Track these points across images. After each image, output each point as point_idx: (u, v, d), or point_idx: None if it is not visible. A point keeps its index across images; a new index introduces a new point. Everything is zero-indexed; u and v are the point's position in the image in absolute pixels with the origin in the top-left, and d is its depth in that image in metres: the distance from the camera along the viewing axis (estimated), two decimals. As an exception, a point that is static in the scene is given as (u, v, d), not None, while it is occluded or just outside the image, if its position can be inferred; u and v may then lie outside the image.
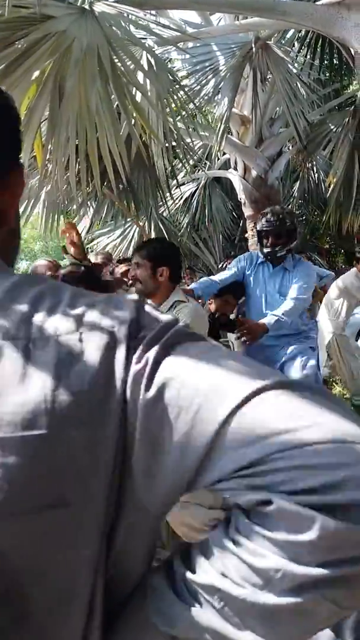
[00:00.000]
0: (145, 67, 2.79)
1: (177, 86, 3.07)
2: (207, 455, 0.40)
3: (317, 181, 7.31)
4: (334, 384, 4.73)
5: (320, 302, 4.30)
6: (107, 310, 0.45)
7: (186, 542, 0.47)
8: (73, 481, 0.41)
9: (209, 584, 0.41)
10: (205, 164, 6.60)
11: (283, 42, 5.22)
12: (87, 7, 2.47)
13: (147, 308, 0.47)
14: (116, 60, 2.44)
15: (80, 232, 2.86)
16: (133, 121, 2.80)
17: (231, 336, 3.30)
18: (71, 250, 2.60)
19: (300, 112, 4.36)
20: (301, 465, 0.37)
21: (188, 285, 3.24)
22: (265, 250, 2.90)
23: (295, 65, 5.08)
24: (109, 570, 0.45)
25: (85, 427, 0.41)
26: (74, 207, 5.04)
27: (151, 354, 0.43)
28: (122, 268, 3.96)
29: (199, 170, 6.55)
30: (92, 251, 6.08)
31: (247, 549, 0.39)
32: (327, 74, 5.98)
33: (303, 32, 5.09)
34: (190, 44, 4.25)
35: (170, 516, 1.67)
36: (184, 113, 3.30)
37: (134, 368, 0.43)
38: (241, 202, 5.28)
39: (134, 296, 0.48)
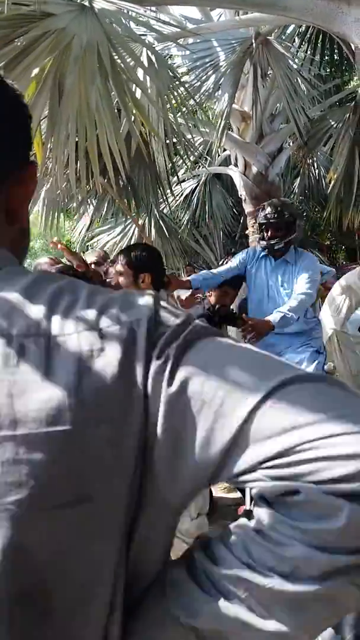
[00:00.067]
0: (145, 63, 2.79)
1: (177, 82, 3.07)
2: (231, 449, 0.41)
3: (317, 177, 7.28)
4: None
5: (322, 299, 4.29)
6: (126, 307, 0.46)
7: (205, 534, 0.48)
8: (97, 477, 0.42)
9: (232, 574, 0.41)
10: (206, 160, 6.57)
11: (283, 37, 5.20)
12: (86, 4, 2.47)
13: (164, 304, 0.48)
14: (116, 57, 2.44)
15: (80, 230, 2.82)
16: (133, 118, 2.80)
17: (231, 330, 3.28)
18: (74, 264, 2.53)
19: (300, 108, 4.34)
20: (327, 455, 0.38)
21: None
22: (263, 243, 2.89)
23: (296, 60, 5.06)
24: (129, 566, 0.45)
25: (108, 422, 0.42)
26: (74, 204, 5.04)
27: (172, 350, 0.43)
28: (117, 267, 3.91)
29: (199, 166, 6.54)
30: (92, 249, 6.07)
31: (273, 539, 0.40)
32: (328, 70, 5.97)
33: (303, 28, 5.07)
34: (190, 40, 4.23)
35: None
36: (184, 109, 3.30)
37: (155, 364, 0.43)
38: (242, 199, 5.26)
39: (150, 293, 0.48)
